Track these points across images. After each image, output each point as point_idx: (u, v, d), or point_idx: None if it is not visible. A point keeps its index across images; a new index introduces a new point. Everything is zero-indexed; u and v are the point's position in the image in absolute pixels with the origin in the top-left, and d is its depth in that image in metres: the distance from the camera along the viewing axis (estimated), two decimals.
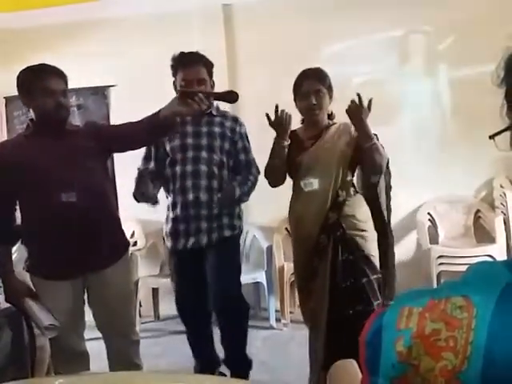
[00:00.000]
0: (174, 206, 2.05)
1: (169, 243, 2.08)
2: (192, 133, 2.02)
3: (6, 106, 3.83)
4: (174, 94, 3.71)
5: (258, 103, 3.42)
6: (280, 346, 2.98)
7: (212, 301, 2.07)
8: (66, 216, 1.72)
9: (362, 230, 1.85)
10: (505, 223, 3.25)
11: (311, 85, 1.88)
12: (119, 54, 3.65)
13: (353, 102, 1.79)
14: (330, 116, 1.99)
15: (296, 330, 3.17)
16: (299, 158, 1.92)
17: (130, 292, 1.94)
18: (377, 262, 1.84)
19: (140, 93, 3.68)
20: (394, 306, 0.49)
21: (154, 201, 1.97)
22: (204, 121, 2.04)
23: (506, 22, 2.90)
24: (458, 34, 3.46)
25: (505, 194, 3.29)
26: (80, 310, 1.85)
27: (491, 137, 0.53)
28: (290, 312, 3.35)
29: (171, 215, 2.07)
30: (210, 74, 2.02)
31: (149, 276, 3.57)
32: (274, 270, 3.38)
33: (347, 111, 1.81)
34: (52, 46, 3.63)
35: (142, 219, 3.50)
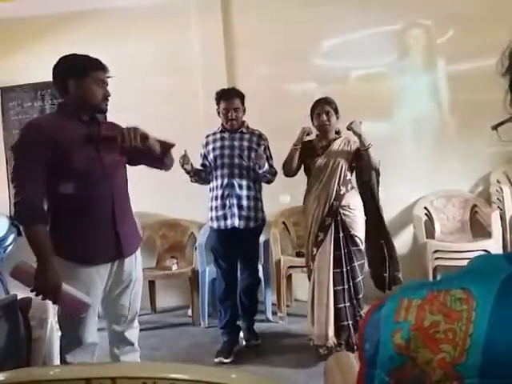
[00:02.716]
0: (215, 198, 2.78)
1: (214, 225, 2.82)
2: (227, 146, 2.77)
3: (1, 96, 3.79)
4: (168, 86, 3.67)
5: (257, 90, 3.43)
6: (276, 339, 2.99)
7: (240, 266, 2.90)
8: (99, 201, 1.78)
9: (354, 215, 2.59)
10: (501, 218, 3.27)
11: (322, 107, 2.64)
12: (116, 44, 3.62)
13: (351, 123, 2.54)
14: (338, 133, 2.73)
15: (292, 324, 3.19)
16: (313, 162, 2.66)
17: (140, 280, 1.99)
18: (361, 238, 2.60)
19: (137, 83, 3.66)
20: (393, 298, 0.48)
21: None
22: (237, 136, 2.79)
23: (505, 17, 2.89)
24: (457, 28, 3.45)
25: (501, 189, 3.30)
26: (99, 299, 1.87)
27: (494, 127, 0.52)
28: (287, 305, 3.36)
29: (213, 205, 2.79)
30: (243, 103, 2.79)
31: (145, 269, 3.56)
32: (270, 263, 3.38)
33: (348, 128, 2.56)
34: (49, 35, 3.59)
35: (138, 212, 3.48)
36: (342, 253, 2.55)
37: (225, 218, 2.74)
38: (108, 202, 1.79)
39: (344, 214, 2.56)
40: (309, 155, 2.67)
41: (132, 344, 1.96)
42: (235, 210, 2.72)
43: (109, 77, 1.83)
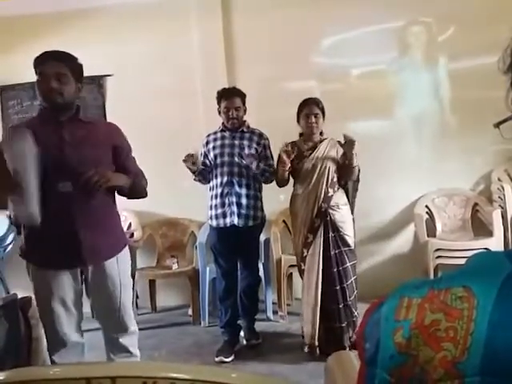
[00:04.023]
0: (215, 196, 2.79)
1: (214, 223, 2.83)
2: (228, 144, 2.79)
3: (0, 95, 3.78)
4: (169, 85, 3.67)
5: (257, 89, 3.42)
6: (277, 338, 2.99)
7: (240, 265, 2.89)
8: (62, 206, 1.73)
9: (342, 215, 2.61)
10: (502, 216, 3.26)
11: (310, 109, 2.63)
12: (116, 43, 3.61)
13: (347, 140, 2.50)
14: (321, 133, 2.72)
15: (293, 323, 3.19)
16: (300, 164, 2.65)
17: (126, 284, 1.94)
18: (352, 238, 2.63)
19: (136, 82, 3.66)
20: (393, 297, 0.48)
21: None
22: (237, 136, 2.81)
23: (506, 14, 2.89)
24: (458, 26, 3.44)
25: (503, 188, 3.29)
26: (77, 301, 1.86)
27: (496, 125, 0.51)
28: (287, 304, 3.36)
29: (213, 203, 2.80)
30: (244, 102, 2.80)
31: (146, 268, 3.57)
32: (271, 262, 3.38)
33: (342, 146, 2.54)
34: (48, 34, 3.58)
35: (138, 211, 3.50)
36: (332, 254, 2.56)
37: (224, 216, 2.76)
38: (69, 206, 1.74)
39: (333, 213, 2.59)
40: (295, 157, 2.63)
41: (128, 351, 1.90)
42: (234, 208, 2.73)
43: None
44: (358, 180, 2.73)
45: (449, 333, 0.42)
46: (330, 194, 2.60)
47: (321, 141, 2.68)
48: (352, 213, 2.72)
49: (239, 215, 2.73)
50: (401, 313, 0.46)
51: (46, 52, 1.76)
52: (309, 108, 2.62)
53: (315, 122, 2.61)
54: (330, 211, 2.58)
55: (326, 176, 2.59)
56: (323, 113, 2.65)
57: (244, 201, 2.74)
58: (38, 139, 1.73)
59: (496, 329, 0.40)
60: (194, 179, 2.81)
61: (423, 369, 0.43)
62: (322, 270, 2.55)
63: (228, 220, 2.75)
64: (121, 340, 1.89)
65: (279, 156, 2.62)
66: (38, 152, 1.68)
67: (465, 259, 0.48)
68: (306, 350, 2.67)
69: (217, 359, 2.68)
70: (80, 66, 1.82)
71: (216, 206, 2.78)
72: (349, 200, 2.70)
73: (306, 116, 2.62)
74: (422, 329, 0.43)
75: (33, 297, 1.93)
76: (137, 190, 1.93)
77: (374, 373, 0.47)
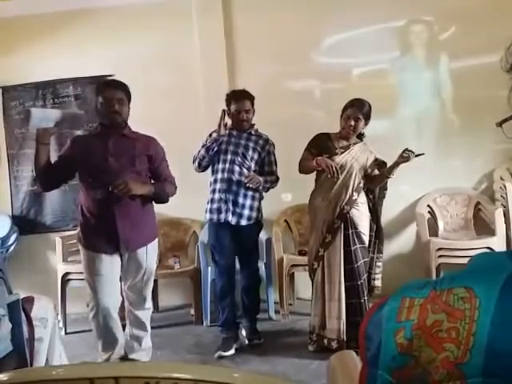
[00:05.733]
0: (214, 191, 2.83)
1: (208, 216, 2.88)
2: (233, 142, 2.81)
3: (2, 96, 3.78)
4: (173, 86, 3.67)
5: (258, 89, 3.42)
6: (279, 338, 2.99)
7: (240, 264, 2.93)
8: (105, 206, 2.30)
9: (360, 212, 2.64)
10: (505, 215, 3.25)
11: (354, 113, 2.59)
12: (117, 43, 3.61)
13: (405, 156, 2.48)
14: (361, 136, 2.72)
15: (295, 322, 3.19)
16: (329, 159, 2.60)
17: (151, 269, 2.49)
18: (366, 236, 2.65)
19: (138, 82, 3.65)
20: (395, 298, 0.48)
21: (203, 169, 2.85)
22: (244, 136, 2.82)
23: (507, 13, 2.88)
24: (460, 24, 3.43)
25: (505, 187, 3.29)
26: (115, 280, 2.41)
27: (499, 124, 0.51)
28: (289, 304, 3.36)
29: (210, 197, 2.86)
30: (253, 105, 2.82)
31: None
32: (273, 261, 3.38)
33: (400, 156, 2.51)
34: (49, 35, 3.59)
35: None
36: (352, 249, 2.59)
37: (219, 211, 2.78)
38: (109, 206, 2.30)
39: (352, 211, 2.60)
40: (324, 150, 2.64)
41: (144, 325, 2.53)
42: (230, 205, 2.75)
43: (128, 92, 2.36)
44: (385, 188, 2.75)
45: (451, 333, 0.42)
46: (354, 198, 2.61)
47: (355, 143, 2.67)
48: (378, 221, 2.73)
49: (233, 213, 2.74)
50: (403, 314, 0.46)
51: (108, 80, 2.35)
52: (352, 110, 2.59)
53: (353, 125, 2.59)
54: (350, 210, 2.61)
55: (353, 181, 2.59)
56: (367, 117, 2.61)
57: (241, 200, 2.75)
58: (91, 150, 2.31)
59: (498, 329, 0.40)
60: (199, 163, 2.77)
61: (425, 369, 0.43)
62: (344, 263, 2.59)
63: (222, 216, 2.76)
64: (137, 313, 2.51)
65: (318, 161, 2.56)
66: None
67: (467, 258, 0.48)
68: (311, 348, 2.66)
69: (216, 355, 2.68)
70: (130, 92, 2.38)
71: (213, 200, 2.81)
72: (374, 208, 2.72)
73: (347, 117, 2.60)
74: (423, 329, 0.43)
75: (35, 297, 1.95)
76: (160, 197, 2.47)
77: (375, 374, 0.47)
